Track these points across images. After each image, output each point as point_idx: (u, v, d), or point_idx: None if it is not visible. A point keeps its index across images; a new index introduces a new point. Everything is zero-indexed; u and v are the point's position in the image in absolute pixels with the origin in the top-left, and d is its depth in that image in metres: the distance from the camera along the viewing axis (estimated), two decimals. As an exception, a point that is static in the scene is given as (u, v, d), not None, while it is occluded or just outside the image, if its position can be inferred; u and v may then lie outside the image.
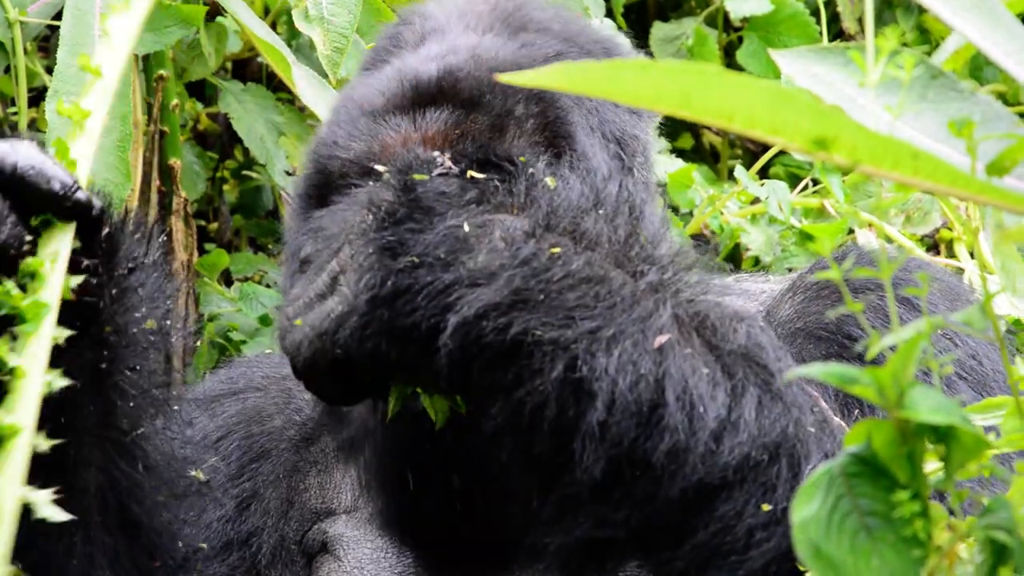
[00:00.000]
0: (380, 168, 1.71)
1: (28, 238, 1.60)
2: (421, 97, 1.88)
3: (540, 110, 1.90)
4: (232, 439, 2.14)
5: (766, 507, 1.55)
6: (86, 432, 1.78)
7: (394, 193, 1.65)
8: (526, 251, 1.59)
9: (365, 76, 2.02)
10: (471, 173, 1.68)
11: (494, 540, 1.91)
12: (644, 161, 2.06)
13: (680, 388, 1.55)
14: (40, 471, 1.59)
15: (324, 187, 1.94)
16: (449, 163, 1.72)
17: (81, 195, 1.63)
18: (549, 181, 1.67)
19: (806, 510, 1.19)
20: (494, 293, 1.57)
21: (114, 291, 1.74)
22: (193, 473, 1.91)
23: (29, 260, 1.59)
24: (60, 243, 1.62)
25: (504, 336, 1.56)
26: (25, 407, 1.54)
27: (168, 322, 1.83)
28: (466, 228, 1.61)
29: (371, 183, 1.71)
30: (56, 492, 1.60)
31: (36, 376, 1.56)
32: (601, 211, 1.66)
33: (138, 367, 1.80)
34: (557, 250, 1.60)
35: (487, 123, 1.88)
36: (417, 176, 1.65)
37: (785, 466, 1.57)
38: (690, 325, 1.61)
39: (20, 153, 1.61)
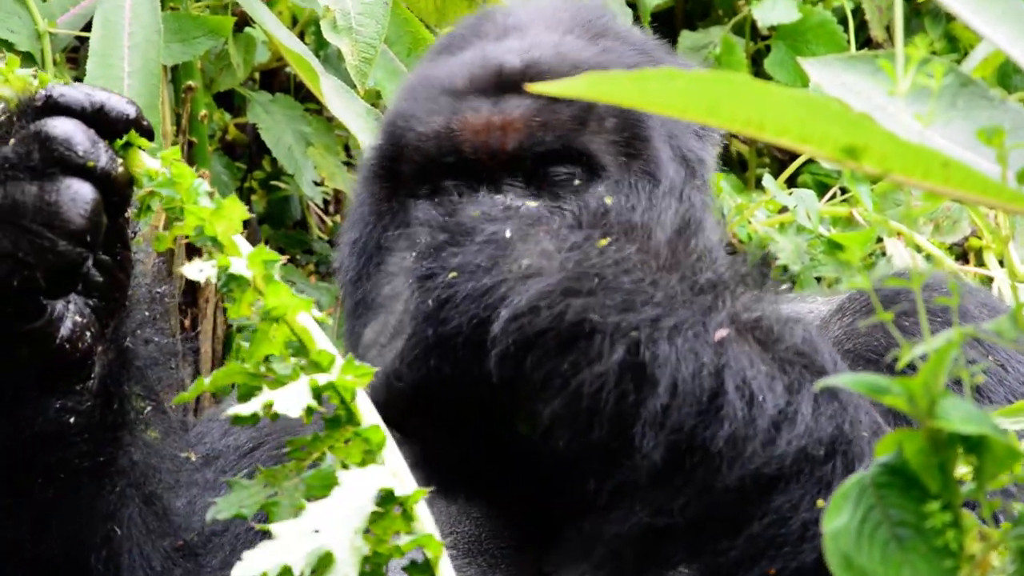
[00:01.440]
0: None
1: (120, 161, 1.65)
2: (503, 84, 1.93)
3: (621, 111, 1.93)
4: (264, 450, 2.14)
5: (821, 503, 1.54)
6: (119, 399, 1.78)
7: (432, 227, 1.67)
8: (574, 239, 1.60)
9: (441, 59, 2.06)
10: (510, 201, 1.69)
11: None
12: (703, 184, 2.09)
13: (740, 378, 1.56)
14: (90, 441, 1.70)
15: (395, 160, 1.99)
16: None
17: (146, 120, 1.70)
18: (604, 196, 1.68)
19: (836, 521, 1.18)
20: (546, 280, 1.57)
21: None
22: (184, 454, 1.93)
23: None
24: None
25: (560, 323, 1.56)
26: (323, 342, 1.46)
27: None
28: (508, 234, 1.62)
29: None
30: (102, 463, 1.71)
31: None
32: (657, 217, 1.67)
33: (150, 327, 1.84)
34: (606, 240, 1.60)
35: (569, 114, 1.91)
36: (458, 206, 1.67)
37: (840, 463, 1.57)
38: (746, 324, 1.61)
39: (84, 90, 1.66)
